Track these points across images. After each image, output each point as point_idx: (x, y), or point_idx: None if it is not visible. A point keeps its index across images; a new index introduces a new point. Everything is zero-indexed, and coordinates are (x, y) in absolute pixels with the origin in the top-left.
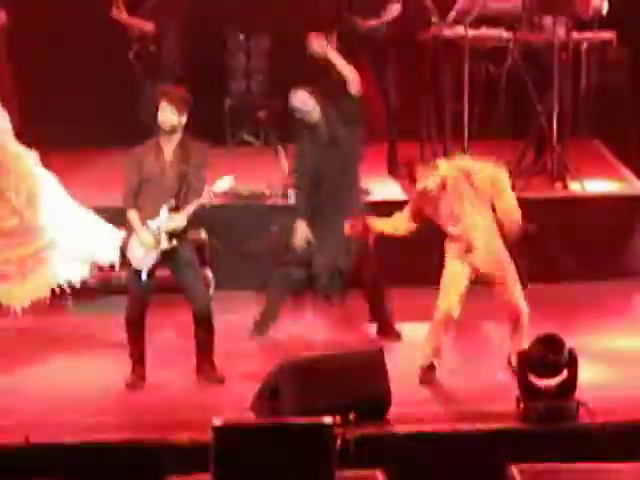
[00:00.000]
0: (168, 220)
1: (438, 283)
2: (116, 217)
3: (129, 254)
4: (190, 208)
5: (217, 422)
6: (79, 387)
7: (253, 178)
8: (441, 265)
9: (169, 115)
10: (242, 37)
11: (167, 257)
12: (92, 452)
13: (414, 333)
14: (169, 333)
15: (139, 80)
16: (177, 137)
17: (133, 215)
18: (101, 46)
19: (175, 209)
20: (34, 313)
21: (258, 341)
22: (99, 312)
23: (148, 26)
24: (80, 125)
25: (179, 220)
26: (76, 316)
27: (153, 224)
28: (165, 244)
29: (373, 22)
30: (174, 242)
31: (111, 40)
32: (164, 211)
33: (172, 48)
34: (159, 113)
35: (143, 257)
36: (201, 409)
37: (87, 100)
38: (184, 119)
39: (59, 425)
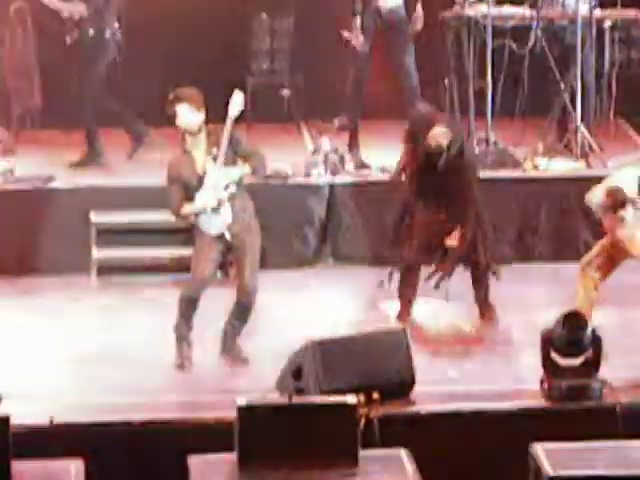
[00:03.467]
0: (219, 172)
1: None
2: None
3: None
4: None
5: (241, 402)
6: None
7: (275, 157)
8: None
9: (194, 116)
10: (265, 17)
11: (236, 240)
12: (115, 432)
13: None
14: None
15: (81, 65)
16: (203, 134)
17: (187, 206)
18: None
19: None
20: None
21: None
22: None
23: (79, 9)
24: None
25: (230, 171)
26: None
27: (207, 183)
28: (223, 193)
29: (393, 2)
30: (232, 188)
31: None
32: (209, 164)
33: (114, 30)
34: (180, 118)
35: (211, 219)
36: (225, 389)
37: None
38: (203, 113)
39: (84, 406)
